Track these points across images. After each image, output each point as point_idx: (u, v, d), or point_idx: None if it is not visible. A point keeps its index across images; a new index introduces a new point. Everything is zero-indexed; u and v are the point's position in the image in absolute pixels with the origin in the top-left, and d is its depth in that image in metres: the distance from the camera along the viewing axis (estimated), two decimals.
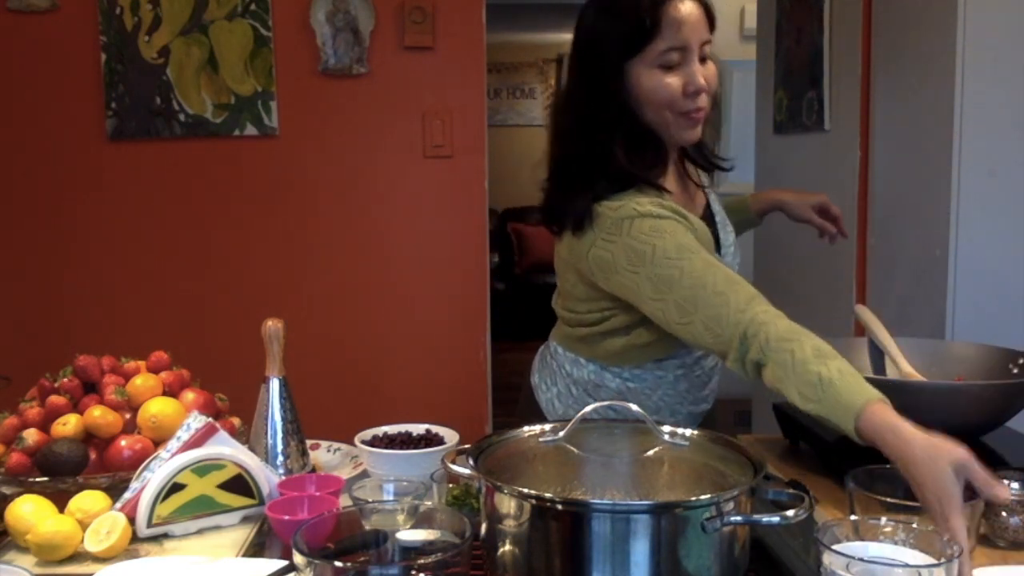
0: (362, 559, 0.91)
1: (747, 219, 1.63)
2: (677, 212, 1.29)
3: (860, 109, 2.20)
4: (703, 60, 1.30)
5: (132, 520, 1.11)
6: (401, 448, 1.29)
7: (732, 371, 1.22)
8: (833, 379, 1.09)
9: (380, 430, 1.36)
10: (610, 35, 1.29)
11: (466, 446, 1.04)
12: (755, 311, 1.17)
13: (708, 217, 1.44)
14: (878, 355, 1.50)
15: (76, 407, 1.28)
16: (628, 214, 1.27)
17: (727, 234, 1.45)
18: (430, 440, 1.33)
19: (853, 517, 0.95)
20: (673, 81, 1.28)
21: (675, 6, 1.25)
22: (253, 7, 2.46)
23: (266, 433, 1.30)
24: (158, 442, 1.25)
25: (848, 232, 1.59)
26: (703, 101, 1.30)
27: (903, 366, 1.41)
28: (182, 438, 1.20)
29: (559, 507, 0.87)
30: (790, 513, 0.87)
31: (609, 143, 1.31)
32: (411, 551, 0.91)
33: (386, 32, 2.51)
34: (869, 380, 1.25)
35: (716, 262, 1.25)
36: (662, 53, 1.27)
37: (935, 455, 0.95)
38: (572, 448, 1.01)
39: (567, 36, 1.42)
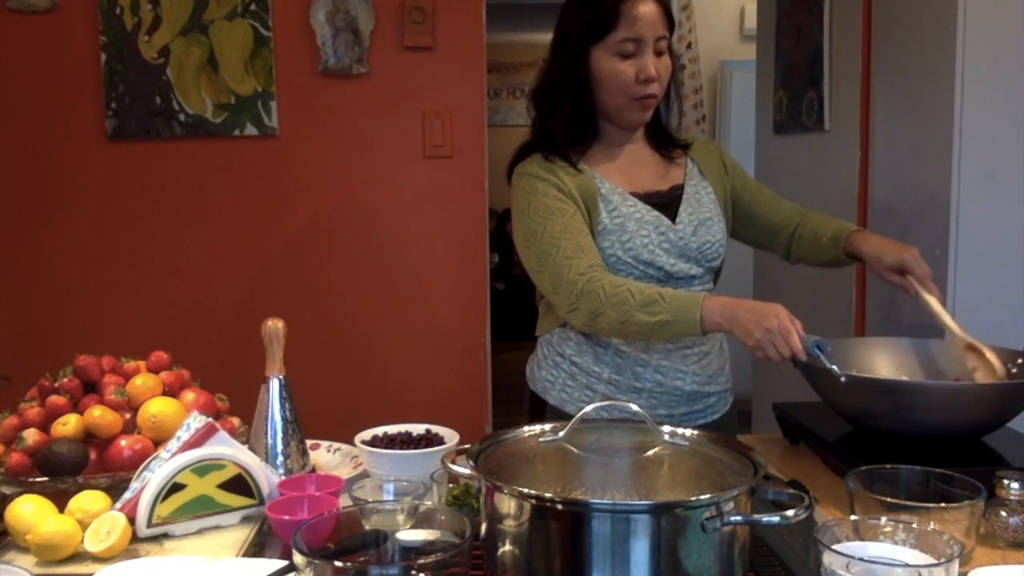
0: (362, 559, 0.91)
1: (839, 257, 1.61)
2: (555, 175, 1.50)
3: (860, 109, 2.20)
4: (659, 54, 1.49)
5: (132, 520, 1.11)
6: (401, 448, 1.29)
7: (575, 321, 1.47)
8: (668, 293, 1.38)
9: (380, 430, 1.36)
10: (578, 22, 1.50)
11: (466, 446, 1.05)
12: (590, 275, 1.42)
13: (677, 193, 1.58)
14: (878, 356, 1.50)
15: (76, 407, 1.28)
16: (520, 172, 1.55)
17: (690, 211, 1.56)
18: (430, 440, 1.33)
19: (853, 517, 0.95)
20: (627, 68, 1.47)
21: (634, 3, 1.45)
22: (253, 7, 2.46)
23: (266, 433, 1.30)
24: (158, 442, 1.25)
25: (937, 291, 1.47)
26: (653, 88, 1.50)
27: (953, 326, 1.42)
28: (182, 438, 1.20)
29: (559, 507, 0.87)
30: (790, 513, 0.87)
31: (556, 116, 1.54)
32: (411, 551, 0.91)
33: (386, 32, 2.51)
34: (871, 381, 1.25)
35: (575, 228, 1.46)
36: (619, 42, 1.46)
37: (754, 305, 1.31)
38: (572, 448, 1.02)
39: None
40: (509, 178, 1.59)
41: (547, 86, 1.56)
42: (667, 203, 1.55)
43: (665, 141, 1.63)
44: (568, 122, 1.54)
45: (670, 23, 1.50)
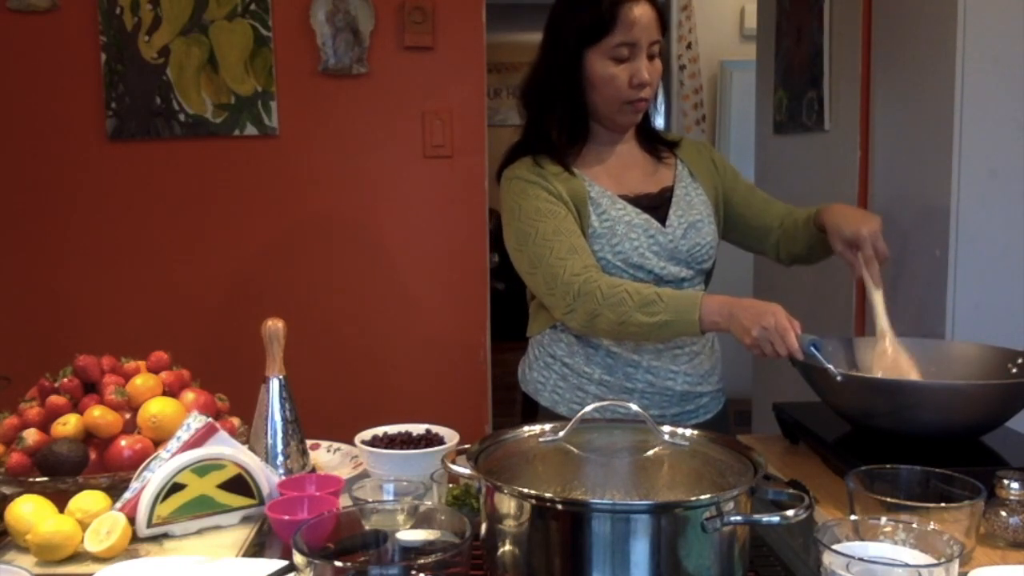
0: (362, 559, 0.91)
1: (815, 236, 1.55)
2: (545, 179, 1.50)
3: (860, 109, 2.20)
4: (651, 58, 1.48)
5: (132, 520, 1.11)
6: (401, 448, 1.29)
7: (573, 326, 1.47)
8: (666, 293, 1.38)
9: (380, 430, 1.36)
10: (573, 24, 1.48)
11: (466, 446, 1.05)
12: (586, 276, 1.41)
13: (667, 195, 1.56)
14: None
15: (76, 407, 1.28)
16: (509, 176, 1.54)
17: (679, 214, 1.55)
18: (430, 440, 1.33)
19: (853, 517, 0.95)
20: (621, 73, 1.46)
21: (631, 7, 1.44)
22: (253, 7, 2.46)
23: (266, 433, 1.30)
24: (158, 442, 1.25)
25: (880, 280, 1.43)
26: (646, 93, 1.50)
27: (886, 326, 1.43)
28: (182, 438, 1.20)
29: (559, 507, 0.87)
30: (790, 513, 0.87)
31: (550, 117, 1.53)
32: (411, 551, 0.91)
33: (386, 32, 2.51)
34: (868, 380, 1.24)
35: (568, 230, 1.46)
36: (615, 47, 1.45)
37: (752, 304, 1.30)
38: (572, 448, 1.02)
39: None
40: (498, 180, 1.58)
41: (539, 87, 1.55)
42: (657, 205, 1.54)
43: (654, 141, 1.62)
44: (563, 124, 1.53)
45: (663, 27, 1.49)
